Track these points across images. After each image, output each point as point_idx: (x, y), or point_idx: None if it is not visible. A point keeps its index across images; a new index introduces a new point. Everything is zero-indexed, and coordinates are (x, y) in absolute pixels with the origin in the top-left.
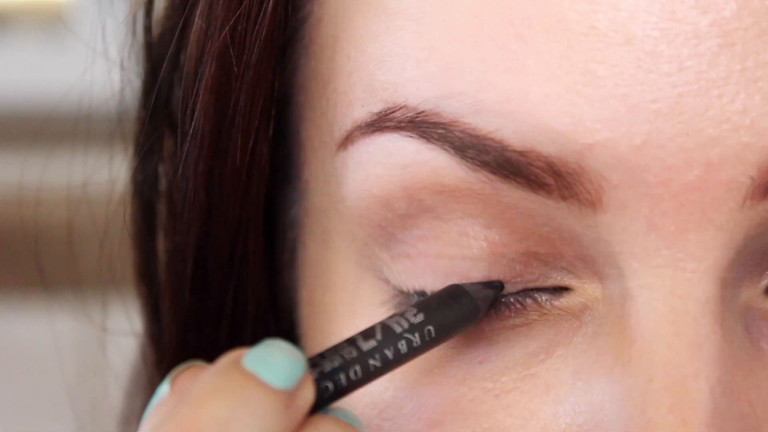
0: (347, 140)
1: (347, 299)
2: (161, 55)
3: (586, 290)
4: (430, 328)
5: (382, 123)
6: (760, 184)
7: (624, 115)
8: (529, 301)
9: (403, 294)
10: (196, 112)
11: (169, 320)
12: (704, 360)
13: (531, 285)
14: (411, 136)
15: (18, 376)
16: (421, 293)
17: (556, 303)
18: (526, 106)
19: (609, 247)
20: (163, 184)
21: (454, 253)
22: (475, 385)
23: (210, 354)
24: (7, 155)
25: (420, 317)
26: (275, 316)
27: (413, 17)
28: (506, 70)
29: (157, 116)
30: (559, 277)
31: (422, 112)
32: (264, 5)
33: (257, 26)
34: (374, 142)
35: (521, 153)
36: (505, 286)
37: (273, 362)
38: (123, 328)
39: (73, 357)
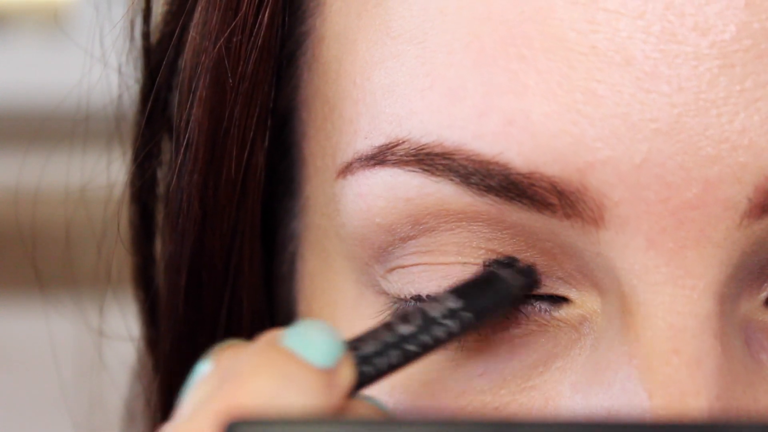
0: (347, 170)
1: (347, 315)
2: (159, 60)
3: (585, 302)
4: (468, 314)
5: (383, 157)
6: (756, 204)
7: (624, 133)
8: (528, 309)
9: (401, 301)
10: (190, 124)
11: (165, 328)
12: (703, 377)
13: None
14: (414, 171)
15: (14, 376)
16: (417, 298)
17: (556, 314)
18: (528, 127)
19: (609, 263)
20: (161, 189)
21: (450, 260)
22: (474, 399)
23: None
24: (6, 156)
25: (459, 303)
26: (272, 326)
27: (416, 40)
28: (508, 91)
29: (155, 121)
30: (556, 287)
31: (425, 145)
32: (260, 17)
33: (252, 38)
34: (375, 176)
35: (525, 175)
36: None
37: (312, 340)
38: (119, 329)
39: (69, 358)
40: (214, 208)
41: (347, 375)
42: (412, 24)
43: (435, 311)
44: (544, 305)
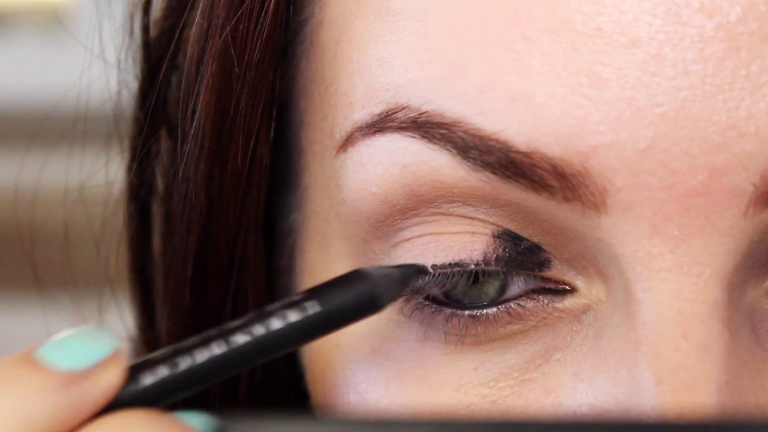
0: (347, 142)
1: None
2: (159, 56)
3: (590, 290)
4: (310, 303)
5: (383, 124)
6: (763, 192)
7: (629, 118)
8: (531, 304)
9: None
10: (196, 113)
11: (169, 323)
12: (713, 362)
13: (542, 270)
14: (413, 137)
15: None
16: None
17: (559, 305)
18: (531, 107)
19: (612, 249)
20: (159, 187)
21: (458, 229)
22: (470, 391)
23: None
24: (5, 155)
25: (300, 296)
26: None
27: (417, 18)
28: (511, 71)
29: (155, 118)
30: (564, 271)
31: (425, 112)
32: (265, 5)
33: (258, 26)
34: (375, 143)
35: (525, 154)
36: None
37: (62, 344)
38: (117, 329)
39: None
40: (219, 199)
41: (108, 378)
42: (412, 3)
43: (272, 306)
44: (546, 298)
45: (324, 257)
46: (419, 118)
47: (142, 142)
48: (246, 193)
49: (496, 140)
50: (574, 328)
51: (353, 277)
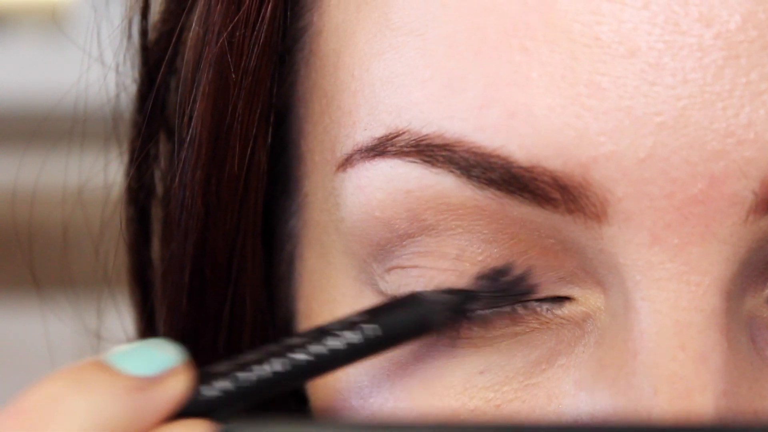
0: (347, 162)
1: (346, 313)
2: (157, 59)
3: (588, 300)
4: (373, 326)
5: (383, 148)
6: (762, 199)
7: (628, 127)
8: (530, 308)
9: None
10: (193, 119)
11: (167, 328)
12: (710, 372)
13: (527, 297)
14: (414, 161)
15: (10, 377)
16: None
17: (558, 312)
18: (530, 120)
19: (612, 259)
20: (159, 191)
21: (446, 266)
22: (476, 395)
23: (207, 363)
24: (3, 156)
25: (361, 317)
26: (273, 326)
27: (417, 32)
28: (510, 84)
29: (154, 121)
30: (557, 288)
31: (426, 135)
32: (262, 12)
33: (255, 33)
34: (374, 167)
35: (527, 169)
36: (505, 295)
37: (131, 352)
38: (116, 331)
39: (66, 359)
40: (216, 205)
41: (174, 385)
42: (412, 16)
43: (333, 326)
44: (546, 304)
45: (324, 266)
46: (421, 141)
47: (140, 145)
48: (243, 199)
49: (498, 156)
50: (577, 334)
51: (410, 301)
